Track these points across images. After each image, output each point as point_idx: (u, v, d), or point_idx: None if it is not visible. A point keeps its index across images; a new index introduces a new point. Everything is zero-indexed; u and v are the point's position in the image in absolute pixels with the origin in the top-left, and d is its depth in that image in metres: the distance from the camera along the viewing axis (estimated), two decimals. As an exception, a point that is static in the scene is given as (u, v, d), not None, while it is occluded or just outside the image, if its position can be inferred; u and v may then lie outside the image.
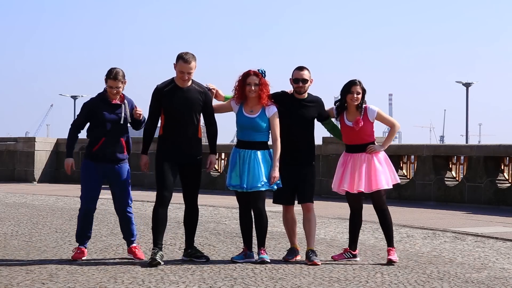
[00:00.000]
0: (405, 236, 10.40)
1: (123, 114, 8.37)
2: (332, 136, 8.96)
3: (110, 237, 10.06)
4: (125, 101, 8.42)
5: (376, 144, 8.49)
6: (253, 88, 8.24)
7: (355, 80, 8.48)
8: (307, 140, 8.51)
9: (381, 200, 8.47)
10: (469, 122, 62.67)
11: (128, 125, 8.53)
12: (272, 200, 8.51)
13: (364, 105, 8.47)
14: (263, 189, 8.22)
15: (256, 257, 8.22)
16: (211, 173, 20.88)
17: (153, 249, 8.05)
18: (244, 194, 8.29)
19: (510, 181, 16.05)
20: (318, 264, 8.09)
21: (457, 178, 16.91)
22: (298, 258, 8.45)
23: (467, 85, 62.96)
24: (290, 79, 8.49)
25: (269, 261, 8.12)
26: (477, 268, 8.11)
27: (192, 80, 8.21)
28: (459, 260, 8.58)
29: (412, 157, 17.71)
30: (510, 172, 16.13)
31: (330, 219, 12.58)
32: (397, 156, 17.75)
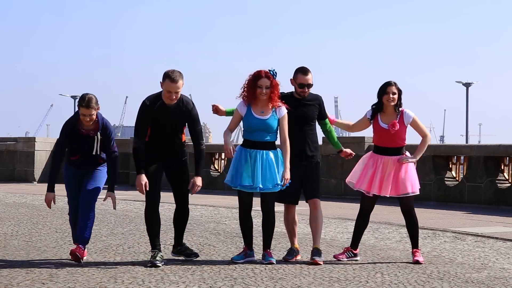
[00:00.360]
0: (405, 236, 10.40)
1: (95, 147, 8.19)
2: (324, 134, 8.86)
3: (110, 237, 10.06)
4: (98, 133, 8.18)
5: (406, 153, 8.48)
6: (264, 91, 8.06)
7: (391, 81, 8.46)
8: (310, 139, 8.49)
9: (410, 204, 8.52)
10: (469, 122, 62.68)
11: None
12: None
13: (401, 108, 8.46)
14: (276, 190, 8.17)
15: (256, 256, 8.20)
16: (211, 173, 20.90)
17: (152, 251, 8.04)
18: (250, 195, 8.17)
19: (510, 181, 16.05)
20: (320, 264, 8.07)
21: (457, 178, 16.91)
22: (298, 258, 8.45)
23: (467, 85, 62.94)
24: (291, 80, 8.41)
25: (275, 262, 8.07)
26: (477, 268, 8.11)
27: (180, 97, 8.04)
28: (459, 260, 8.58)
29: (412, 157, 17.69)
30: (510, 172, 16.13)
31: (330, 219, 12.57)
32: (397, 156, 17.73)
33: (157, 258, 7.92)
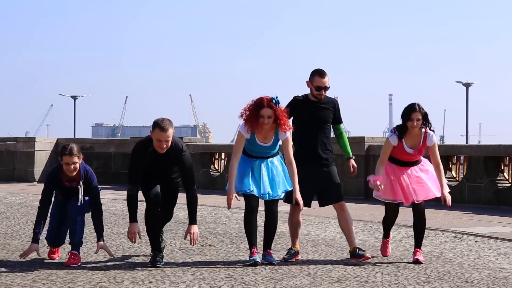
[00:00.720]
0: (405, 236, 10.40)
1: (80, 197, 8.13)
2: (336, 139, 8.84)
3: (110, 237, 10.06)
4: (81, 182, 8.15)
5: (443, 189, 8.52)
6: (266, 121, 7.95)
7: (415, 105, 8.34)
8: (324, 142, 8.45)
9: (422, 206, 8.58)
10: (469, 122, 62.75)
11: None
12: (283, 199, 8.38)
13: (424, 129, 8.46)
14: (281, 197, 8.16)
15: (259, 258, 8.10)
16: (211, 173, 20.89)
17: (152, 251, 8.04)
18: (256, 196, 8.09)
19: (510, 181, 16.05)
20: (369, 258, 8.17)
21: (457, 178, 16.91)
22: (298, 258, 8.45)
23: (467, 85, 62.99)
24: (307, 82, 8.36)
25: (275, 263, 8.06)
26: (477, 268, 8.11)
27: (171, 144, 7.95)
28: (459, 260, 8.58)
29: (412, 157, 17.68)
30: (510, 172, 16.13)
31: (330, 219, 12.57)
32: (397, 156, 17.74)
33: (157, 258, 7.92)
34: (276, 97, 7.98)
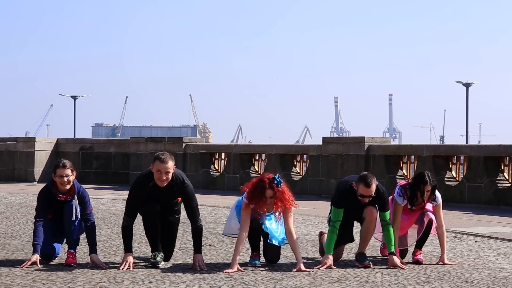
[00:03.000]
0: (405, 236, 10.39)
1: (74, 212, 8.12)
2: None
3: (110, 237, 10.06)
4: (75, 196, 8.18)
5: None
6: (268, 201, 8.07)
7: (426, 178, 8.38)
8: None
9: (432, 218, 8.60)
10: (469, 122, 62.66)
11: None
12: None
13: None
14: (280, 245, 8.19)
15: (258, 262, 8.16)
16: (211, 173, 20.89)
17: (152, 252, 8.04)
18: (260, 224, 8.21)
19: (510, 181, 16.05)
20: (370, 267, 8.11)
21: (457, 178, 16.91)
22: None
23: (467, 85, 62.95)
24: (354, 183, 8.29)
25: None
26: (477, 268, 8.11)
27: (173, 177, 8.02)
28: (459, 260, 8.58)
29: (412, 157, 17.71)
30: (510, 172, 16.13)
31: (330, 219, 12.56)
32: (397, 156, 17.76)
33: (157, 258, 7.91)
34: (278, 177, 8.10)
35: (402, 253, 8.61)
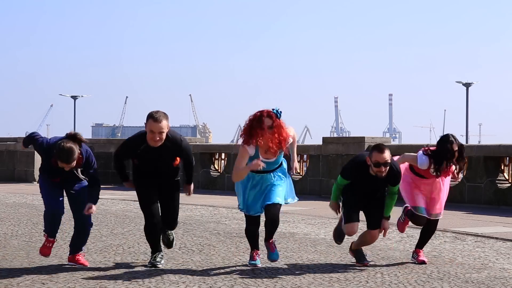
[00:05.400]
0: (405, 236, 10.40)
1: (80, 176, 7.79)
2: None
3: (110, 237, 10.06)
4: (79, 169, 7.78)
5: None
6: (267, 135, 7.68)
7: (451, 139, 8.14)
8: (380, 202, 8.14)
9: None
10: (469, 122, 62.70)
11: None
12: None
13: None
14: (281, 203, 7.90)
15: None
16: (211, 173, 20.89)
17: (152, 254, 7.95)
18: (257, 217, 7.97)
19: (510, 181, 16.05)
20: (366, 265, 8.08)
21: (457, 178, 16.89)
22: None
23: (467, 85, 62.98)
24: (367, 158, 7.88)
25: (277, 259, 8.00)
26: (477, 268, 8.11)
27: (167, 136, 7.63)
28: (459, 260, 8.58)
29: (412, 157, 17.68)
30: (510, 172, 16.13)
31: (330, 219, 12.57)
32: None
33: (157, 258, 7.91)
34: (278, 109, 7.79)
35: (431, 223, 8.35)
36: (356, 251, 8.20)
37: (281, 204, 7.91)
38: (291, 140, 7.93)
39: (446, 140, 8.15)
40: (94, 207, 7.72)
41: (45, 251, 7.94)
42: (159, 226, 7.94)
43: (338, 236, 8.40)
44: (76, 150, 7.49)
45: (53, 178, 7.92)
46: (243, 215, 8.12)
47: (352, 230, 7.95)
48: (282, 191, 7.95)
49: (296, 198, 8.19)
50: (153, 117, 7.51)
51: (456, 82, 64.59)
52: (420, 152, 8.22)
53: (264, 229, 7.97)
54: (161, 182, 7.89)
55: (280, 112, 7.79)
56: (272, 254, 7.94)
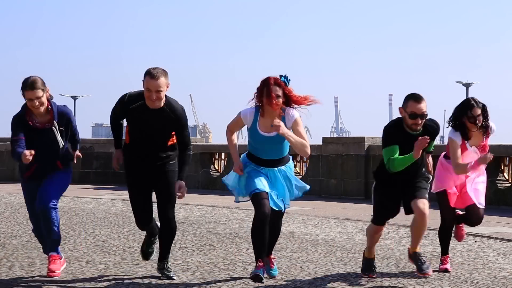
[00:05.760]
0: (405, 236, 10.39)
1: (59, 139, 7.07)
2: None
3: (110, 237, 10.06)
4: (55, 122, 7.05)
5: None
6: (274, 101, 6.82)
7: (472, 103, 7.33)
8: (419, 173, 7.28)
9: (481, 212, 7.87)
10: (469, 122, 62.63)
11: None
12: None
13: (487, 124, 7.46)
14: (283, 210, 7.11)
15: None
16: (211, 173, 20.88)
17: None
18: (267, 200, 6.90)
19: (510, 181, 16.04)
20: (428, 276, 7.30)
21: (457, 178, 16.89)
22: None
23: (467, 85, 63.01)
24: (400, 108, 7.04)
25: (276, 275, 7.36)
26: (477, 268, 8.10)
27: (166, 100, 6.90)
28: (459, 260, 8.58)
29: (412, 157, 17.69)
30: (510, 172, 16.12)
31: (330, 219, 12.57)
32: (397, 156, 17.73)
33: (150, 250, 7.55)
34: (286, 75, 6.93)
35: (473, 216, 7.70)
36: (414, 255, 7.30)
37: (283, 212, 7.17)
38: (294, 115, 6.94)
39: (466, 105, 7.34)
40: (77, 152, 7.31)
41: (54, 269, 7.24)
42: (152, 219, 7.35)
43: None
44: (41, 81, 6.91)
45: (28, 171, 7.19)
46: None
47: (378, 234, 7.52)
48: (286, 193, 7.15)
49: (288, 204, 7.24)
50: (150, 74, 6.73)
51: (456, 82, 64.62)
52: (450, 130, 7.51)
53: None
54: (153, 170, 7.07)
55: (289, 80, 6.96)
56: (271, 270, 7.28)
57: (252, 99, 6.98)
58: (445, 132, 8.67)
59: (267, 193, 6.88)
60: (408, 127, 6.98)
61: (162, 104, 6.86)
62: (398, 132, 7.01)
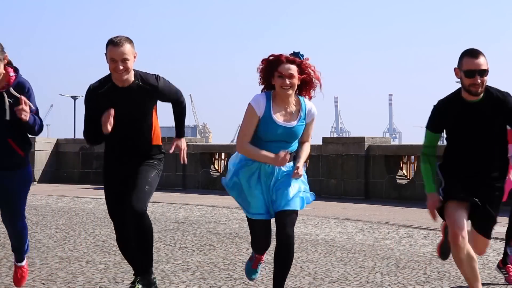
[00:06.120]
0: (405, 236, 10.40)
1: (7, 106, 5.91)
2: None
3: (110, 237, 10.06)
4: (11, 88, 5.96)
5: None
6: (287, 82, 5.59)
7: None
8: (495, 158, 5.78)
9: None
10: (469, 122, 62.67)
11: None
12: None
13: None
14: (297, 208, 5.71)
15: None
16: (211, 173, 20.88)
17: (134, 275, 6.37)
18: (267, 221, 5.85)
19: (510, 181, 16.03)
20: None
21: (457, 178, 16.88)
22: None
23: (467, 85, 62.96)
24: (455, 69, 5.62)
25: None
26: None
27: (135, 73, 5.97)
28: (459, 260, 8.57)
29: (412, 157, 17.71)
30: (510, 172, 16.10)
31: (330, 219, 12.58)
32: (397, 156, 17.75)
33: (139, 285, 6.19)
34: (299, 52, 5.75)
35: None
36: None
37: (297, 212, 5.77)
38: (314, 112, 5.86)
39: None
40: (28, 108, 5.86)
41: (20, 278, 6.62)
42: (126, 226, 6.13)
43: (444, 251, 6.36)
44: (2, 46, 6.05)
45: None
46: (244, 215, 6.34)
47: (458, 233, 5.61)
48: (297, 188, 5.78)
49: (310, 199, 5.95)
50: (112, 42, 5.87)
51: (456, 82, 64.57)
52: None
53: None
54: (132, 166, 6.09)
55: (303, 54, 5.77)
56: None
57: (263, 84, 5.80)
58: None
59: (267, 220, 5.81)
60: (467, 90, 5.53)
61: (132, 78, 5.97)
62: (451, 106, 5.61)
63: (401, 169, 17.79)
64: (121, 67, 5.83)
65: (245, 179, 5.79)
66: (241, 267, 7.88)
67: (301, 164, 5.74)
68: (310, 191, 5.92)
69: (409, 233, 10.80)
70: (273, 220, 5.82)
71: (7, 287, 6.82)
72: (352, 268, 7.98)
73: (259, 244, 6.03)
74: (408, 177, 17.54)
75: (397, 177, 17.36)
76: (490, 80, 5.57)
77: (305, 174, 5.87)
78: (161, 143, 6.27)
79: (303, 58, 5.71)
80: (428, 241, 10.06)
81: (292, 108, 5.75)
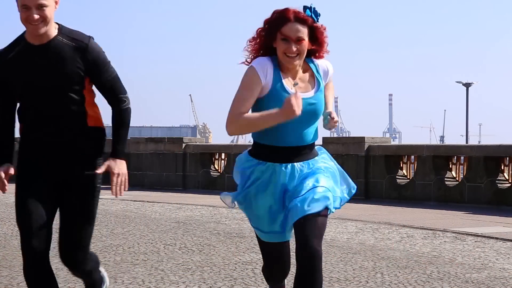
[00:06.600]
0: (405, 236, 10.40)
1: None
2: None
3: (110, 237, 10.06)
4: None
5: None
6: (293, 48, 4.25)
7: None
8: None
9: None
10: (469, 122, 62.68)
11: None
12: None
13: None
14: (324, 205, 4.49)
15: None
16: (211, 173, 20.87)
17: None
18: (279, 248, 4.81)
19: (510, 181, 16.05)
20: None
21: (457, 178, 16.91)
22: None
23: (467, 85, 62.98)
24: None
25: None
26: (477, 268, 8.10)
27: (59, 28, 4.43)
28: (459, 260, 8.58)
29: (412, 157, 17.71)
30: (510, 172, 16.13)
31: (330, 219, 12.57)
32: (397, 156, 17.75)
33: None
34: (312, 5, 4.43)
35: None
36: None
37: (326, 214, 4.49)
38: (331, 69, 4.60)
39: None
40: None
41: None
42: (46, 260, 4.59)
43: None
44: None
45: None
46: (244, 215, 5.36)
47: None
48: (328, 182, 4.67)
49: (346, 195, 5.07)
50: None
51: (456, 82, 64.62)
52: None
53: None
54: (59, 173, 4.83)
55: (319, 14, 4.45)
56: None
57: (251, 50, 4.39)
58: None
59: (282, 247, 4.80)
60: None
61: (53, 33, 4.41)
62: None
63: (401, 169, 17.79)
64: (36, 16, 4.27)
65: (255, 190, 4.53)
66: (241, 267, 7.89)
67: (332, 109, 4.46)
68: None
69: (409, 233, 10.80)
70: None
71: (7, 287, 6.82)
72: (352, 268, 7.98)
73: (271, 271, 4.71)
74: (408, 177, 17.54)
75: (397, 177, 17.36)
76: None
77: (339, 167, 4.86)
78: (101, 124, 4.90)
79: (317, 20, 4.40)
80: (428, 241, 10.06)
81: (302, 74, 4.39)
